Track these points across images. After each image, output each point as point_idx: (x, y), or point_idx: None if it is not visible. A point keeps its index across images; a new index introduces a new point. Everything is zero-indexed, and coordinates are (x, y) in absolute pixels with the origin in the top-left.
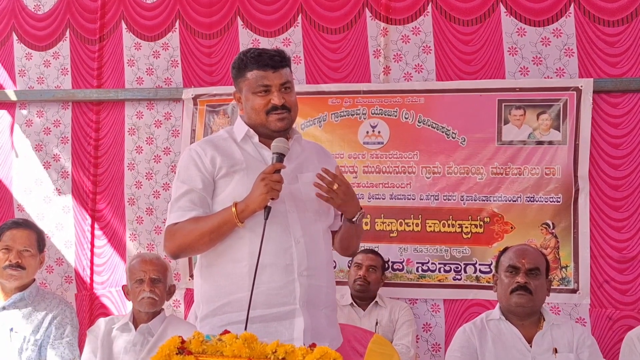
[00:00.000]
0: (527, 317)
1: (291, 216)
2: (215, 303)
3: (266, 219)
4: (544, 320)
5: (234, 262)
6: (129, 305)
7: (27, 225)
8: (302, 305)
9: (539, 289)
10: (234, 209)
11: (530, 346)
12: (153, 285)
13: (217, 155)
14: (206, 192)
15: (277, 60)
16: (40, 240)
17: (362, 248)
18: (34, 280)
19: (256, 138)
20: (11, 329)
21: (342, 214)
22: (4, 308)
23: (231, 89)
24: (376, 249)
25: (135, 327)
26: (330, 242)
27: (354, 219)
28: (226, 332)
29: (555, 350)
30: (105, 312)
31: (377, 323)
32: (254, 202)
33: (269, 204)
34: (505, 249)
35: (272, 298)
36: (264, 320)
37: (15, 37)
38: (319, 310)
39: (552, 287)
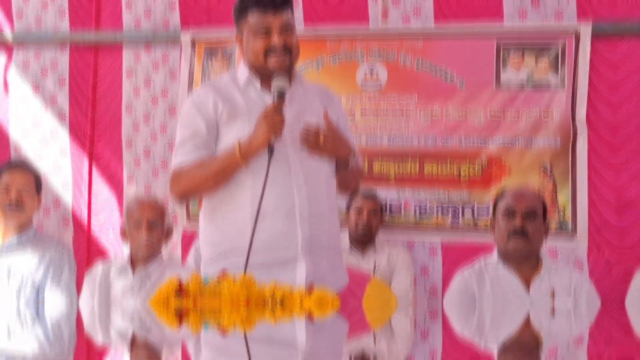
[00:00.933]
0: (525, 261)
1: (293, 162)
2: (219, 248)
3: (270, 158)
4: (542, 264)
5: (237, 207)
6: (126, 248)
7: (25, 166)
8: (303, 251)
9: (536, 232)
10: (237, 149)
11: (529, 291)
12: (150, 229)
13: (219, 100)
14: (210, 136)
15: (277, 2)
16: (38, 181)
17: (361, 192)
18: (32, 222)
19: (258, 83)
20: (9, 271)
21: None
22: (1, 250)
23: (230, 30)
24: (374, 192)
25: (133, 270)
26: (334, 187)
27: (347, 164)
28: (224, 274)
29: (553, 294)
30: (102, 255)
31: (375, 267)
32: (256, 140)
33: (271, 143)
34: (502, 192)
35: (274, 244)
36: (266, 265)
37: None
38: (321, 255)
39: (549, 230)
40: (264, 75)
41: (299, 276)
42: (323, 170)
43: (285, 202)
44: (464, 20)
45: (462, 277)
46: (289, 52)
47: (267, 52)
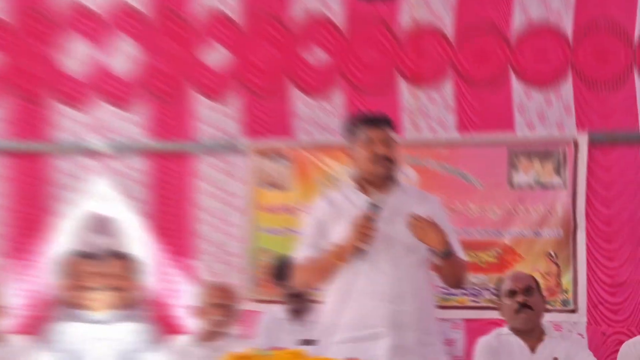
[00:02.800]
0: (531, 332)
1: (382, 253)
2: (332, 322)
3: (358, 258)
4: (545, 333)
5: (334, 292)
6: (198, 325)
7: (124, 255)
8: (388, 327)
9: (537, 303)
10: (334, 251)
11: (534, 354)
12: (223, 309)
13: (327, 205)
14: (319, 235)
15: (380, 120)
16: (134, 269)
17: None
18: (129, 303)
19: (353, 187)
20: (104, 340)
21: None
22: (99, 322)
23: (283, 141)
24: None
25: (206, 345)
26: (425, 273)
27: (438, 253)
28: (276, 348)
29: (556, 359)
30: (176, 331)
31: None
32: (348, 245)
33: (362, 247)
34: (501, 278)
35: (357, 322)
36: (355, 340)
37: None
38: (407, 332)
39: (555, 308)
40: (368, 178)
41: (382, 349)
42: (410, 259)
43: (368, 287)
44: (481, 131)
45: (486, 340)
46: (390, 161)
47: (372, 159)
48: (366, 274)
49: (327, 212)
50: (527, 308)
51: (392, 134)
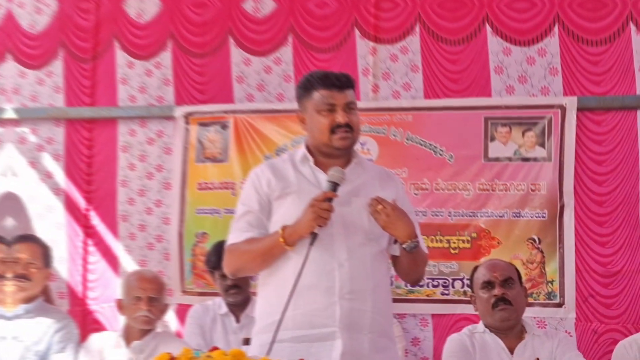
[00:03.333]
0: (510, 330)
1: (337, 239)
2: (266, 320)
3: (311, 244)
4: (526, 331)
5: (281, 281)
6: (121, 321)
7: (34, 239)
8: (342, 328)
9: (518, 297)
10: (280, 233)
11: (512, 355)
12: (150, 304)
13: (273, 177)
14: (262, 213)
15: (342, 81)
16: (46, 255)
17: None
18: (39, 294)
19: (312, 161)
20: (14, 338)
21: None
22: (9, 318)
23: (222, 106)
24: None
25: (127, 344)
26: (385, 266)
27: (404, 245)
28: (215, 348)
29: None
30: (98, 327)
31: None
32: (300, 227)
33: (315, 231)
34: (476, 268)
35: (313, 319)
36: (307, 340)
37: (10, 56)
38: (362, 334)
39: (539, 301)
40: (324, 153)
41: (335, 353)
42: (370, 247)
43: (325, 278)
44: (452, 96)
45: (457, 338)
46: (352, 130)
47: (332, 129)
48: (318, 264)
49: (272, 185)
50: (505, 303)
51: (354, 98)
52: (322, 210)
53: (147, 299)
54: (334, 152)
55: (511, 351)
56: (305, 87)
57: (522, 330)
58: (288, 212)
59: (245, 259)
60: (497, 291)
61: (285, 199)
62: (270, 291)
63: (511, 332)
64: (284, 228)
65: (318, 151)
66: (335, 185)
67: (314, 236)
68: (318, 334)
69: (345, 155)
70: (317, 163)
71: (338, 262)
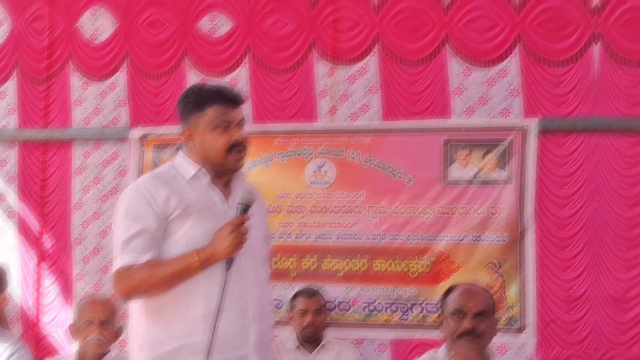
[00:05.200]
0: (473, 359)
1: (244, 260)
2: (166, 346)
3: (228, 269)
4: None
5: (188, 305)
6: (75, 346)
7: None
8: (255, 349)
9: (487, 331)
10: (196, 258)
11: None
12: (102, 327)
13: (172, 194)
14: (159, 232)
15: (237, 97)
16: (1, 278)
17: (304, 292)
18: None
19: (208, 178)
20: None
21: None
22: None
23: (178, 128)
24: (322, 289)
25: None
26: (269, 286)
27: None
28: None
29: None
30: (51, 352)
31: None
32: (219, 253)
33: (233, 255)
34: (450, 289)
35: (228, 342)
36: None
37: None
38: (267, 354)
39: (498, 327)
40: (217, 169)
41: None
42: (265, 269)
43: (238, 300)
44: (411, 118)
45: None
46: (245, 148)
47: (229, 147)
48: (232, 285)
49: (172, 202)
50: (473, 336)
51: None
52: (241, 235)
53: (98, 323)
54: (226, 171)
55: None
56: (196, 102)
57: (486, 358)
58: (189, 233)
59: (148, 284)
60: (467, 324)
61: (186, 218)
62: (170, 316)
63: None
64: (199, 252)
65: (208, 168)
66: (246, 208)
67: (230, 261)
68: (231, 356)
69: (236, 174)
70: (210, 180)
71: (248, 283)
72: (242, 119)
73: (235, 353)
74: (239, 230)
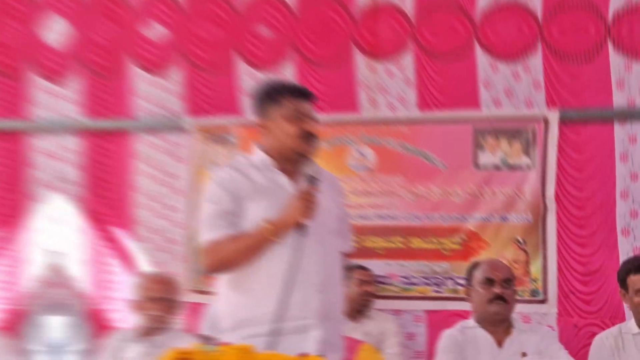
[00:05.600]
0: (500, 324)
1: (313, 235)
2: (239, 316)
3: (302, 236)
4: (513, 327)
5: (259, 277)
6: (135, 320)
7: None
8: (319, 319)
9: (512, 297)
10: (269, 227)
11: (501, 348)
12: (161, 304)
13: (242, 179)
14: (236, 213)
15: (309, 92)
16: None
17: (357, 265)
18: None
19: (274, 166)
20: None
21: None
22: None
23: (228, 118)
24: (364, 264)
25: (142, 341)
26: (341, 260)
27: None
28: (224, 343)
29: (524, 354)
30: (113, 327)
31: (366, 334)
32: (290, 219)
33: (304, 224)
34: (476, 264)
35: (290, 312)
36: (280, 333)
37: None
38: (333, 323)
39: (523, 298)
40: (287, 159)
41: (312, 343)
42: (335, 243)
43: (300, 274)
44: (444, 109)
45: (450, 334)
46: (315, 139)
47: (301, 137)
48: (294, 259)
49: (242, 185)
50: (502, 300)
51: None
52: (309, 202)
53: (159, 299)
54: (298, 158)
55: (500, 345)
56: (272, 95)
57: (510, 325)
58: (259, 213)
59: (231, 255)
60: (497, 289)
61: (259, 201)
62: (246, 288)
63: (500, 327)
64: (271, 222)
65: (280, 157)
66: (314, 180)
67: (304, 228)
68: (295, 326)
69: (307, 162)
70: (278, 168)
71: (312, 256)
72: (314, 113)
73: (298, 323)
74: (306, 197)
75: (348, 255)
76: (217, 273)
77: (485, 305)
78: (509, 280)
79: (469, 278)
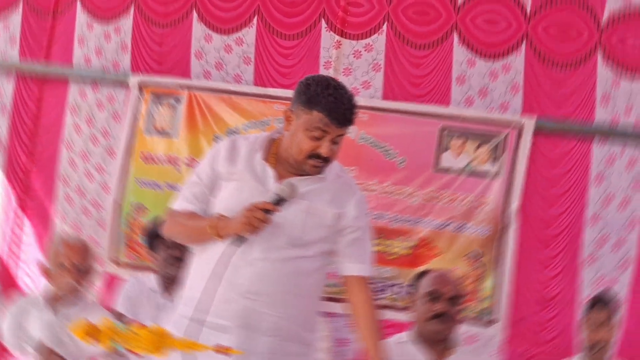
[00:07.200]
0: (440, 343)
1: (257, 238)
2: (185, 293)
3: (235, 245)
4: (453, 348)
5: (204, 262)
6: (46, 285)
7: None
8: (236, 325)
9: (457, 317)
10: (214, 223)
11: None
12: (75, 271)
13: (228, 159)
14: (209, 189)
15: (347, 118)
16: None
17: None
18: None
19: (262, 155)
20: None
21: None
22: None
23: (177, 80)
24: None
25: (53, 310)
26: (314, 276)
27: None
28: (141, 325)
29: None
30: (19, 288)
31: None
32: (230, 227)
33: (245, 236)
34: (424, 273)
35: (214, 309)
36: (205, 325)
37: None
38: (258, 336)
39: (470, 316)
40: (290, 165)
41: (225, 343)
42: (292, 254)
43: (233, 273)
44: (411, 100)
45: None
46: (329, 162)
47: (311, 155)
48: (222, 261)
49: (223, 164)
50: (445, 319)
51: (347, 131)
52: (255, 219)
53: (71, 266)
54: (301, 172)
55: None
56: (309, 99)
57: (450, 346)
58: (225, 198)
59: (178, 231)
60: (441, 306)
61: (228, 183)
62: (193, 268)
63: (439, 346)
64: (219, 219)
65: (285, 159)
66: (281, 201)
67: (240, 240)
68: (212, 322)
69: (295, 184)
70: (274, 163)
71: (249, 261)
72: (340, 137)
73: (216, 321)
74: (254, 214)
75: (364, 279)
76: (169, 238)
77: (425, 322)
78: (456, 298)
79: (414, 287)
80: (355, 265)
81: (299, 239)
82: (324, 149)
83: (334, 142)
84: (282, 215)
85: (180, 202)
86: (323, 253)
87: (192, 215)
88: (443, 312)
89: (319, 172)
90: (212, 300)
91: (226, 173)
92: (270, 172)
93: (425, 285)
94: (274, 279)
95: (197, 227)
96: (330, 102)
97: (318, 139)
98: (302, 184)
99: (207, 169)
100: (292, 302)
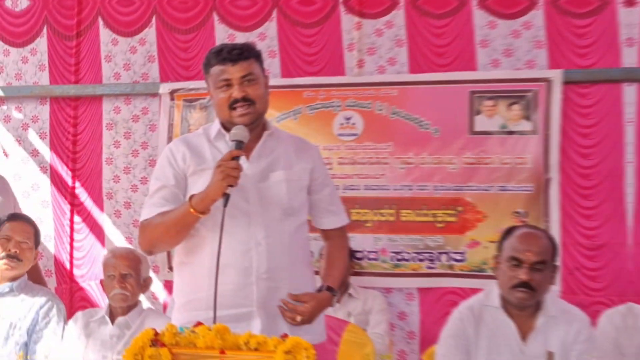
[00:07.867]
0: (526, 309)
1: (254, 216)
2: (182, 299)
3: (225, 206)
4: (541, 309)
5: (197, 261)
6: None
7: (26, 219)
8: (259, 307)
9: (543, 283)
10: (189, 202)
11: (525, 341)
12: (123, 281)
13: (188, 152)
14: (178, 188)
15: (235, 54)
16: (37, 235)
17: None
18: (25, 273)
19: (227, 137)
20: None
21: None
22: None
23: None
24: (352, 239)
25: (112, 321)
26: (304, 239)
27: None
28: (199, 323)
29: (550, 356)
30: (84, 305)
31: (349, 314)
32: (211, 191)
33: (227, 192)
34: (510, 230)
35: (228, 300)
36: (221, 321)
37: None
38: (279, 313)
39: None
40: (230, 127)
41: (253, 331)
42: (289, 225)
43: (242, 258)
44: (437, 70)
45: (460, 320)
46: (253, 103)
47: (231, 104)
48: (235, 243)
49: (187, 159)
50: (528, 289)
51: (254, 69)
52: (230, 169)
53: (119, 276)
54: (232, 127)
55: (524, 336)
56: (205, 64)
57: (538, 308)
58: (203, 188)
59: (158, 232)
60: (523, 275)
61: (200, 174)
62: (186, 271)
63: (526, 311)
64: (192, 196)
65: (225, 127)
66: (240, 143)
67: (226, 197)
68: (233, 314)
69: (255, 129)
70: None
71: (255, 241)
72: (246, 75)
73: (236, 311)
74: (226, 165)
75: (339, 229)
76: (151, 251)
77: (508, 289)
78: (540, 263)
79: (500, 246)
80: (337, 217)
81: (289, 207)
82: (235, 92)
83: (246, 82)
84: (267, 189)
85: (151, 210)
86: (306, 221)
87: (164, 212)
88: (525, 281)
89: (250, 119)
90: (228, 291)
91: (194, 166)
92: (227, 135)
93: (507, 248)
94: (280, 253)
95: (178, 214)
96: (216, 52)
97: (228, 87)
98: (262, 146)
99: (169, 171)
100: (296, 273)
